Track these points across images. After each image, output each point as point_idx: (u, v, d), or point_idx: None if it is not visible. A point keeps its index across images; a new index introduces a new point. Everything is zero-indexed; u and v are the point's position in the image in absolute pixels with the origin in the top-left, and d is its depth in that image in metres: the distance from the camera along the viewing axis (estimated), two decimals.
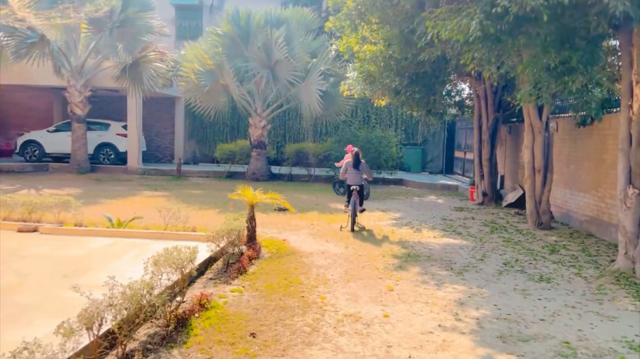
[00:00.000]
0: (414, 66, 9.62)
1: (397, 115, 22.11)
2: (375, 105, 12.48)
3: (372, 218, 11.04)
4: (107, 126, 20.77)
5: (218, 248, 6.60)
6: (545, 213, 10.17)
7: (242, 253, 7.02)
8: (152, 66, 17.45)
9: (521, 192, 12.55)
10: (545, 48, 6.04)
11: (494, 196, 13.48)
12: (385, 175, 18.18)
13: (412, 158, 21.56)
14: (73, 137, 18.62)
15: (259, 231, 8.93)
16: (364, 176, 10.32)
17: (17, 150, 20.48)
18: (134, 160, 19.38)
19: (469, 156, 17.94)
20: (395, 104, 13.82)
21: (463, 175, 19.32)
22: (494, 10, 5.43)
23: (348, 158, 11.07)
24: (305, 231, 9.36)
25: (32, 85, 20.44)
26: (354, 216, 9.60)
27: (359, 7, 11.14)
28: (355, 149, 10.48)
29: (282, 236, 8.78)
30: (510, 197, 13.08)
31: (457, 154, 20.81)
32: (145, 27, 18.36)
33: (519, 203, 12.62)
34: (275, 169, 19.08)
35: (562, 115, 11.05)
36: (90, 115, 22.28)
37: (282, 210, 11.56)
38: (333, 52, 20.13)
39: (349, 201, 9.85)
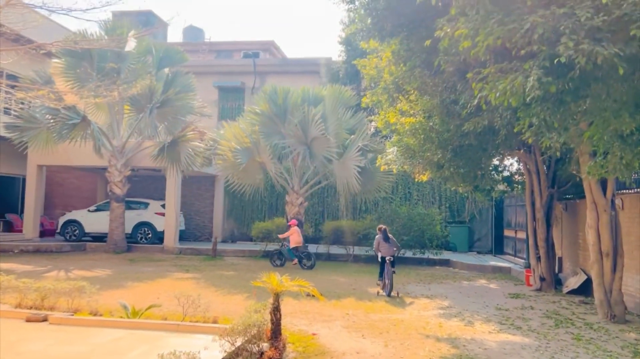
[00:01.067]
0: (458, 138, 8.73)
1: (441, 192, 21.01)
2: (416, 180, 11.55)
3: (417, 306, 9.77)
4: (146, 205, 20.54)
5: (233, 348, 5.57)
6: (617, 303, 8.68)
7: (262, 353, 5.95)
8: (190, 145, 17.27)
9: (584, 277, 11.04)
10: (617, 111, 5.05)
11: (552, 281, 11.96)
12: (430, 255, 16.87)
13: (459, 237, 20.15)
14: (111, 216, 18.35)
15: (286, 321, 7.86)
16: (394, 248, 11.59)
17: (59, 230, 20.39)
18: (170, 239, 18.84)
19: (521, 235, 16.48)
20: (438, 179, 12.87)
21: (515, 255, 17.72)
22: (555, 61, 4.52)
23: (292, 232, 15.02)
24: (339, 322, 8.20)
25: (76, 166, 20.63)
26: (391, 280, 10.85)
27: (396, 80, 10.55)
28: (383, 226, 11.97)
29: (312, 329, 7.65)
30: (572, 283, 11.54)
31: (507, 233, 19.29)
32: (186, 107, 18.43)
33: (583, 290, 11.09)
34: (313, 247, 18.07)
35: (628, 191, 9.77)
36: (132, 194, 22.27)
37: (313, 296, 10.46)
38: (372, 129, 19.62)
39: (381, 272, 11.33)
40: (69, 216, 20.48)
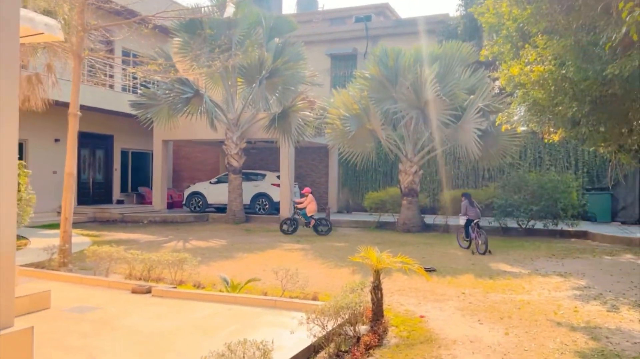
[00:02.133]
0: (597, 87, 7.14)
1: (578, 154, 18.60)
2: (546, 141, 9.93)
3: (547, 286, 8.46)
4: (263, 176, 20.81)
5: (323, 332, 4.95)
6: None
7: (358, 338, 5.27)
8: (300, 115, 16.94)
9: None
10: None
11: None
12: (563, 226, 14.98)
13: (598, 206, 17.70)
14: (229, 188, 18.78)
15: (392, 300, 7.14)
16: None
17: (184, 202, 21.45)
18: (285, 209, 18.88)
19: None
20: (572, 140, 11.07)
21: None
22: None
23: (310, 201, 15.28)
24: (452, 303, 7.26)
25: (196, 140, 21.41)
26: (486, 239, 11.82)
27: (521, 25, 9.04)
28: (467, 193, 13.35)
29: (421, 311, 6.80)
30: None
31: None
32: (295, 77, 18.09)
33: None
34: (430, 219, 17.00)
35: None
36: (250, 166, 22.78)
37: (429, 270, 9.56)
38: (496, 88, 17.77)
39: (468, 233, 12.38)
40: (193, 188, 21.43)
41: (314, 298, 7.07)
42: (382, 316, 6.02)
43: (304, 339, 4.90)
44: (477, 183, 19.61)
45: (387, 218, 17.11)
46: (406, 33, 23.18)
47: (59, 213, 18.91)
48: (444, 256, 11.46)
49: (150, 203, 21.15)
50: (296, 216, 15.46)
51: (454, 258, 11.21)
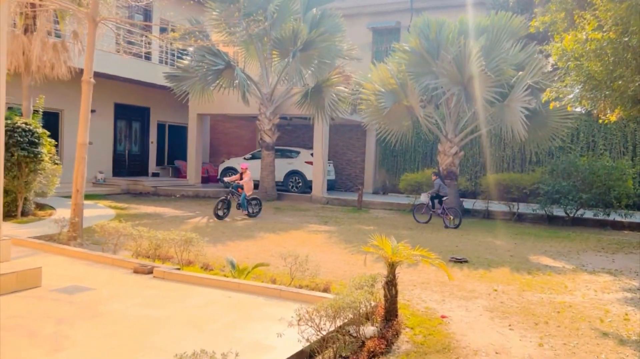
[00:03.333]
0: None
1: (636, 139, 16.98)
2: (601, 121, 8.71)
3: (594, 285, 7.43)
4: (297, 153, 20.17)
5: (317, 336, 4.22)
6: None
7: (362, 343, 4.52)
8: (334, 90, 16.08)
9: None
10: None
11: None
12: (616, 217, 13.64)
13: None
14: (262, 165, 18.25)
15: (412, 295, 6.36)
16: None
17: (219, 177, 21.11)
18: (318, 188, 18.20)
19: None
20: (632, 121, 9.78)
21: None
22: None
23: (248, 179, 13.64)
24: (482, 301, 6.39)
25: (231, 114, 20.90)
26: (456, 212, 13.19)
27: None
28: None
29: (443, 309, 5.98)
30: None
31: None
32: (332, 49, 17.17)
33: None
34: (469, 203, 15.92)
35: None
36: (286, 143, 22.17)
37: (460, 261, 8.68)
38: (549, 66, 16.30)
39: (434, 206, 13.45)
40: (227, 163, 21.04)
41: (325, 289, 6.35)
42: (396, 315, 5.25)
43: (293, 346, 4.20)
44: (523, 167, 18.29)
45: (421, 200, 16.13)
46: (454, 5, 21.63)
47: (94, 183, 19.00)
48: (480, 245, 10.50)
49: (186, 177, 20.91)
50: (230, 197, 13.18)
51: (491, 247, 10.24)
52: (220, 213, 12.74)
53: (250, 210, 13.54)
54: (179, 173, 22.41)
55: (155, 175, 21.75)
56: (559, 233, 12.54)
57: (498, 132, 15.87)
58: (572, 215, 14.03)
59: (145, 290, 6.11)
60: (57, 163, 12.53)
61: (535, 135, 14.80)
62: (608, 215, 13.62)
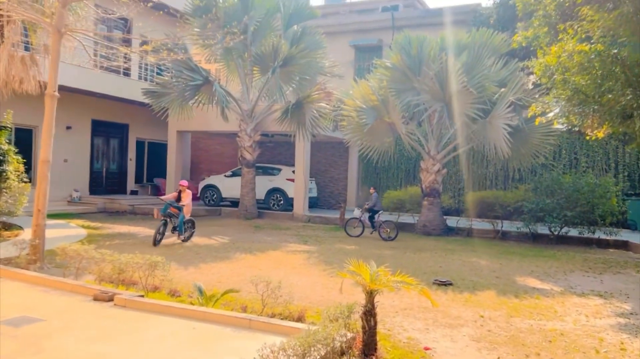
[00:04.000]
0: None
1: (618, 156, 16.80)
2: (588, 138, 8.33)
3: (585, 309, 6.99)
4: (278, 171, 19.66)
5: None
6: None
7: None
8: (315, 106, 15.67)
9: None
10: None
11: None
12: (601, 235, 13.32)
13: None
14: (242, 182, 17.71)
15: (395, 323, 5.85)
16: None
17: (199, 194, 20.49)
18: (300, 206, 17.67)
19: None
20: (619, 135, 9.47)
21: None
22: None
23: (188, 198, 11.69)
24: (468, 330, 5.89)
25: (211, 131, 20.36)
26: (393, 225, 13.42)
27: (562, 1, 7.56)
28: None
29: (427, 339, 5.46)
30: None
31: None
32: (313, 66, 16.80)
33: None
34: (452, 221, 15.51)
35: None
36: (268, 160, 21.68)
37: (444, 283, 8.19)
38: (530, 84, 16.12)
39: (372, 223, 13.98)
40: (208, 181, 20.45)
41: (300, 318, 5.81)
42: (375, 349, 4.73)
43: None
44: (506, 185, 17.99)
45: (406, 218, 15.72)
46: (435, 23, 21.55)
47: (69, 202, 18.24)
48: (465, 265, 10.04)
49: (165, 195, 20.21)
50: (169, 219, 11.38)
51: (476, 268, 9.78)
52: (159, 237, 10.89)
53: (185, 235, 11.49)
54: (158, 191, 21.70)
55: (133, 193, 21.04)
56: (544, 252, 12.15)
57: (481, 149, 15.55)
58: (556, 233, 13.69)
59: (102, 321, 5.51)
60: (24, 181, 11.86)
61: (518, 152, 14.50)
62: (593, 232, 13.30)
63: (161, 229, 11.06)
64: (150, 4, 10.63)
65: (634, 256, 12.09)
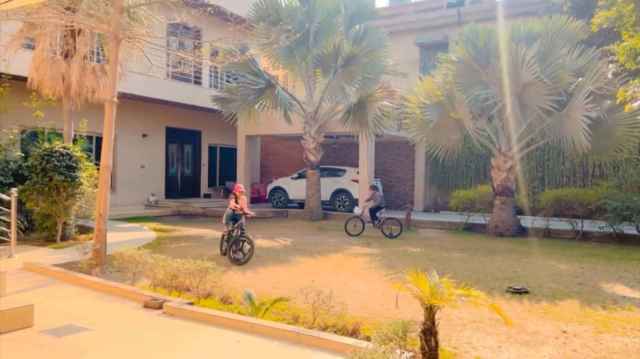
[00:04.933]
0: None
1: None
2: None
3: None
4: (343, 172, 19.02)
5: None
6: None
7: None
8: (378, 105, 14.85)
9: None
10: None
11: None
12: None
13: None
14: (307, 184, 17.22)
15: (462, 338, 5.00)
16: None
17: (267, 196, 20.30)
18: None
19: None
20: None
21: None
22: None
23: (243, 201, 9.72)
24: (547, 348, 4.91)
25: (277, 135, 20.05)
26: (397, 222, 13.10)
27: None
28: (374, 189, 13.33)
29: None
30: None
31: None
32: (376, 65, 15.97)
33: None
34: (527, 221, 14.10)
35: None
36: (333, 162, 21.12)
37: (519, 291, 7.16)
38: (610, 72, 14.39)
39: (374, 219, 13.25)
40: (275, 183, 20.19)
41: (354, 331, 5.09)
42: None
43: None
44: (585, 182, 16.21)
45: (477, 219, 14.49)
46: (504, 16, 19.99)
47: (146, 205, 18.60)
48: (542, 270, 8.86)
49: None
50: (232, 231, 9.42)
51: (555, 273, 8.58)
52: (235, 256, 9.05)
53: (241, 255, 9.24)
54: (229, 194, 21.75)
55: (207, 196, 21.19)
56: (632, 255, 10.61)
57: (556, 144, 14.05)
58: None
59: (146, 331, 5.10)
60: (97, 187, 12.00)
61: (599, 146, 12.89)
62: None
63: (231, 244, 9.21)
64: (212, 11, 10.33)
65: None
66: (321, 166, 17.73)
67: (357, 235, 13.00)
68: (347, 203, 18.31)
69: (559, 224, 13.49)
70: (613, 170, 15.72)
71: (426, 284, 4.02)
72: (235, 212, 9.64)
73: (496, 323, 5.70)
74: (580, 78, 12.21)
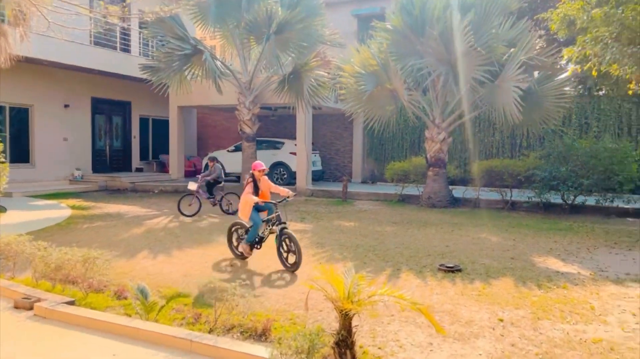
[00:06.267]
0: None
1: (631, 120, 14.59)
2: (631, 93, 6.30)
3: (626, 303, 5.13)
4: (281, 144, 17.82)
5: None
6: None
7: None
8: (313, 75, 13.67)
9: None
10: None
11: None
12: (620, 203, 11.32)
13: None
14: (243, 157, 15.91)
15: (388, 333, 4.03)
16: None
17: (202, 170, 18.81)
18: (302, 180, 15.86)
19: None
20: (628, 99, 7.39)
21: None
22: None
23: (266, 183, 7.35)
24: (484, 343, 4.09)
25: (211, 105, 18.44)
26: None
27: None
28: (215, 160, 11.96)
29: None
30: None
31: None
32: (311, 34, 14.66)
33: None
34: (459, 192, 13.57)
35: None
36: (273, 134, 19.85)
37: (451, 269, 6.37)
38: (540, 43, 13.86)
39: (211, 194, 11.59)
40: (210, 156, 18.68)
41: (264, 331, 4.05)
42: None
43: None
44: (513, 153, 15.90)
45: (411, 190, 13.80)
46: None
47: (70, 181, 16.66)
48: (474, 243, 8.19)
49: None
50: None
51: (487, 247, 7.92)
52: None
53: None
54: (163, 168, 20.07)
55: (139, 170, 19.40)
56: (560, 224, 10.22)
57: (487, 115, 13.50)
58: (570, 202, 11.72)
59: (6, 342, 3.82)
60: (2, 162, 10.24)
61: (529, 118, 12.38)
62: (612, 201, 11.31)
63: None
64: None
65: None
66: (258, 138, 16.47)
67: (192, 215, 10.66)
68: (285, 175, 17.20)
69: (490, 194, 13.02)
70: (539, 141, 15.47)
71: (340, 283, 3.01)
72: (261, 204, 6.92)
73: (429, 310, 4.84)
74: (512, 49, 11.55)
